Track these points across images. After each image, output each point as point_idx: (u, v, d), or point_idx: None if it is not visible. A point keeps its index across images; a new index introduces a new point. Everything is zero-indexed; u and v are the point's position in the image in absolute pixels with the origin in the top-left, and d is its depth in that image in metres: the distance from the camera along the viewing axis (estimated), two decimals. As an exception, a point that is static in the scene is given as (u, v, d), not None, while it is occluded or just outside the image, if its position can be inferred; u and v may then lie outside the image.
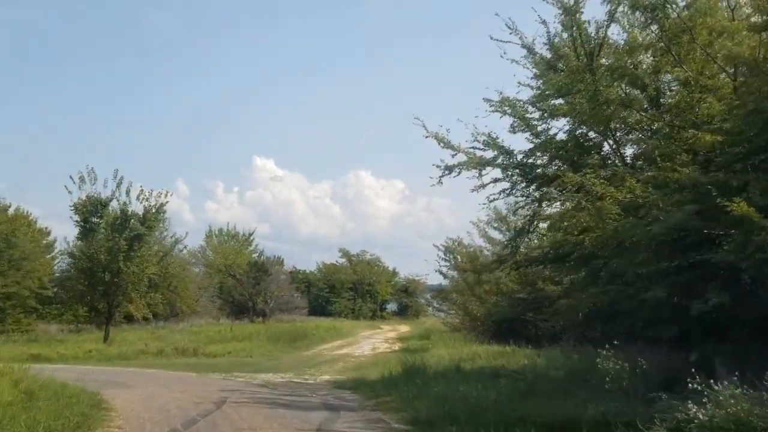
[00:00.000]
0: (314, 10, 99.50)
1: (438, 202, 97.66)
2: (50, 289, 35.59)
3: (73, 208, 29.43)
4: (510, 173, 13.53)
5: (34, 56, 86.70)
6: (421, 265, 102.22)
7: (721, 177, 8.44)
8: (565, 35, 13.15)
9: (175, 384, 14.78)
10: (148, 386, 14.11)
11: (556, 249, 12.73)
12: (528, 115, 13.61)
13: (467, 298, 28.19)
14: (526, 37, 13.20)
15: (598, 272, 11.34)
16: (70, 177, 29.09)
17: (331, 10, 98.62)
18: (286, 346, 29.26)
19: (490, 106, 13.70)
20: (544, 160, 13.12)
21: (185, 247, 39.76)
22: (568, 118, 12.92)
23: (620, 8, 11.98)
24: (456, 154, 13.60)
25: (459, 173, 13.54)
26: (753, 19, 10.23)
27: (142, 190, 29.46)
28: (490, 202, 13.95)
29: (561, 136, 13.39)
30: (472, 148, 13.68)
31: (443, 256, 29.20)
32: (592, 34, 12.45)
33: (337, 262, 60.77)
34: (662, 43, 11.17)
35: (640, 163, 11.55)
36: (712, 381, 7.06)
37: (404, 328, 45.57)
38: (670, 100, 11.64)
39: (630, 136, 12.72)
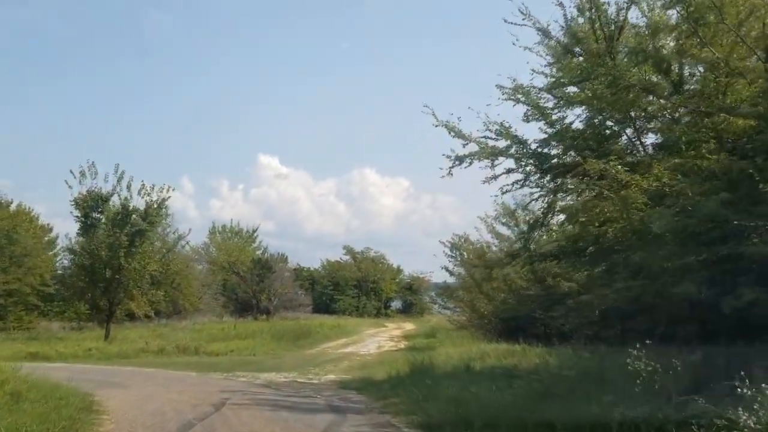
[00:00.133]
0: (314, 10, 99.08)
1: (443, 199, 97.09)
2: (52, 287, 35.13)
3: (73, 203, 29.01)
4: (524, 163, 12.90)
5: (34, 56, 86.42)
6: (426, 262, 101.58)
7: (760, 163, 7.80)
8: (581, 20, 12.57)
9: (173, 384, 14.21)
10: (145, 386, 13.55)
11: (573, 242, 12.09)
12: (542, 104, 13.02)
13: (474, 295, 27.65)
14: (540, 23, 12.66)
15: (618, 267, 10.71)
16: (71, 171, 28.71)
17: (331, 10, 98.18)
18: (289, 344, 28.74)
19: (503, 94, 13.08)
20: (560, 150, 12.47)
21: (187, 243, 39.30)
22: (585, 106, 12.30)
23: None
24: (467, 144, 13.00)
25: (470, 163, 12.93)
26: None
27: (143, 184, 29.01)
28: (503, 193, 13.31)
29: (577, 125, 12.83)
30: (484, 137, 13.08)
31: (449, 252, 28.73)
32: (612, 17, 11.81)
33: (341, 259, 60.40)
34: (687, 25, 10.53)
35: (662, 152, 10.89)
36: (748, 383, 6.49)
37: (409, 326, 45.08)
38: (694, 86, 10.99)
39: (651, 124, 12.10)
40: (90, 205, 28.97)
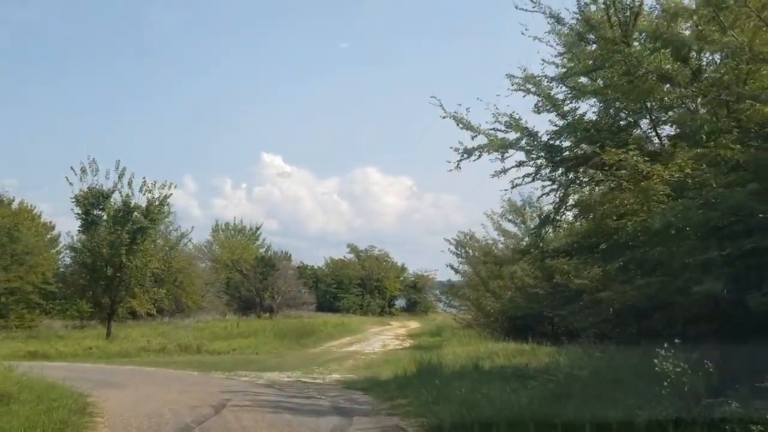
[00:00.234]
0: (314, 10, 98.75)
1: (445, 198, 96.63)
2: (54, 285, 34.81)
3: (74, 200, 28.64)
4: (534, 156, 12.46)
5: (34, 56, 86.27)
6: (429, 261, 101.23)
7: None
8: (593, 8, 12.11)
9: (173, 384, 13.79)
10: (144, 386, 13.13)
11: (586, 238, 11.64)
12: (554, 94, 12.58)
13: (481, 293, 27.29)
14: (551, 9, 12.21)
15: (634, 263, 10.25)
16: (71, 168, 28.33)
17: (331, 10, 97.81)
18: (293, 342, 28.35)
19: (513, 84, 12.68)
20: (573, 141, 12.01)
21: (189, 241, 38.96)
22: (598, 97, 11.85)
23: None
24: (476, 136, 12.57)
25: (479, 156, 12.50)
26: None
27: (144, 181, 28.63)
28: (513, 187, 12.87)
29: (590, 116, 12.38)
30: (493, 129, 12.66)
31: (454, 250, 28.38)
32: (627, 2, 11.33)
33: (345, 257, 59.98)
34: (706, 9, 10.06)
35: (681, 143, 10.41)
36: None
37: (414, 325, 44.73)
38: (715, 74, 10.51)
39: (668, 115, 11.63)
40: (91, 202, 28.61)
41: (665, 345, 6.92)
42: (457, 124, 12.56)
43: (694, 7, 10.76)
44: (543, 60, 12.61)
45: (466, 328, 28.81)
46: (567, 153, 12.37)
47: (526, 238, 23.49)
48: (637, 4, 11.40)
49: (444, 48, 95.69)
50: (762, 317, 8.52)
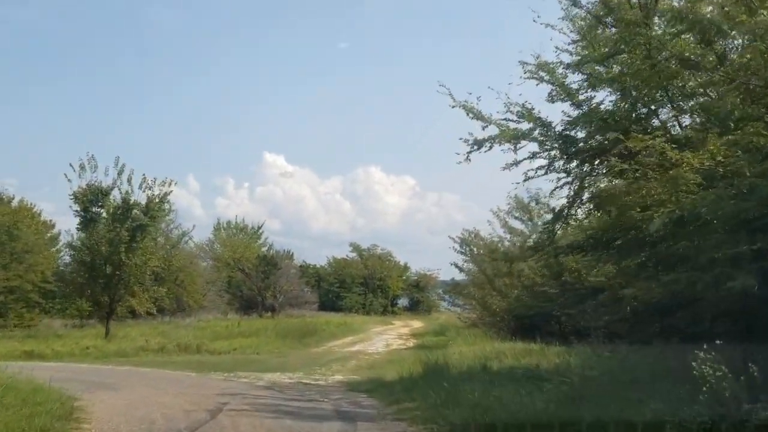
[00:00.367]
0: (314, 10, 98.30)
1: (448, 198, 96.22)
2: (53, 283, 34.33)
3: (72, 196, 28.10)
4: (548, 147, 11.87)
5: (34, 56, 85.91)
6: (431, 260, 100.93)
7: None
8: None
9: (169, 386, 13.21)
10: (138, 389, 12.55)
11: (605, 232, 11.04)
12: (568, 83, 12.00)
13: (487, 291, 26.79)
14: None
15: (657, 258, 9.65)
16: (70, 165, 27.78)
17: (331, 10, 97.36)
18: (295, 342, 27.83)
19: (525, 72, 12.11)
20: (590, 130, 11.42)
21: (190, 239, 38.45)
22: (615, 84, 11.24)
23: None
24: (487, 126, 12.00)
25: (490, 147, 11.95)
26: None
27: (144, 178, 28.08)
28: (525, 180, 12.28)
29: (607, 105, 11.79)
30: (505, 119, 12.09)
31: (459, 248, 27.87)
32: (647, -17, 10.72)
33: (347, 256, 59.46)
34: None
35: (706, 131, 9.80)
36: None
37: (417, 324, 44.27)
38: (741, 59, 9.89)
39: (689, 103, 11.03)
40: (90, 199, 28.08)
41: (704, 346, 6.30)
42: (467, 114, 12.04)
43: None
44: (556, 47, 12.06)
45: (471, 327, 28.35)
46: (582, 144, 11.80)
47: (534, 236, 22.98)
48: (657, -15, 10.82)
49: (444, 48, 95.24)
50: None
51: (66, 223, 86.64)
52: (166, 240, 34.45)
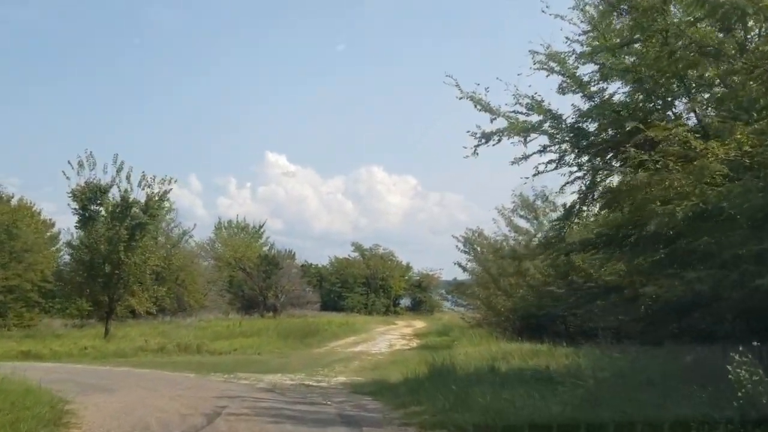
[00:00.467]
0: (314, 10, 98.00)
1: (450, 197, 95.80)
2: (53, 283, 33.96)
3: (71, 194, 27.69)
4: (558, 140, 11.44)
5: (34, 56, 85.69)
6: (433, 260, 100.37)
7: None
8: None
9: (166, 388, 12.77)
10: (134, 391, 12.12)
11: (619, 228, 10.59)
12: (579, 75, 11.57)
13: (491, 291, 26.38)
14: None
15: (676, 254, 9.21)
16: (69, 162, 27.39)
17: (330, 10, 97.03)
18: (296, 342, 27.43)
19: (535, 63, 11.66)
20: (601, 123, 10.98)
21: (191, 238, 38.06)
22: (630, 75, 10.80)
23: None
24: (495, 119, 11.57)
25: (499, 140, 11.51)
26: None
27: (143, 176, 27.68)
28: (536, 174, 11.84)
29: (619, 97, 11.36)
30: (514, 112, 11.67)
31: (462, 247, 27.47)
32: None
33: (349, 256, 59.12)
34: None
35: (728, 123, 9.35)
36: None
37: (419, 324, 43.89)
38: (764, 46, 9.45)
39: (706, 94, 10.59)
40: (88, 197, 27.69)
41: (740, 348, 5.87)
42: (475, 106, 11.60)
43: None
44: (567, 38, 11.62)
45: (476, 328, 27.92)
46: (594, 137, 11.36)
47: (539, 234, 22.58)
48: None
49: (444, 48, 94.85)
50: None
51: (66, 222, 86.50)
52: (167, 239, 34.09)
